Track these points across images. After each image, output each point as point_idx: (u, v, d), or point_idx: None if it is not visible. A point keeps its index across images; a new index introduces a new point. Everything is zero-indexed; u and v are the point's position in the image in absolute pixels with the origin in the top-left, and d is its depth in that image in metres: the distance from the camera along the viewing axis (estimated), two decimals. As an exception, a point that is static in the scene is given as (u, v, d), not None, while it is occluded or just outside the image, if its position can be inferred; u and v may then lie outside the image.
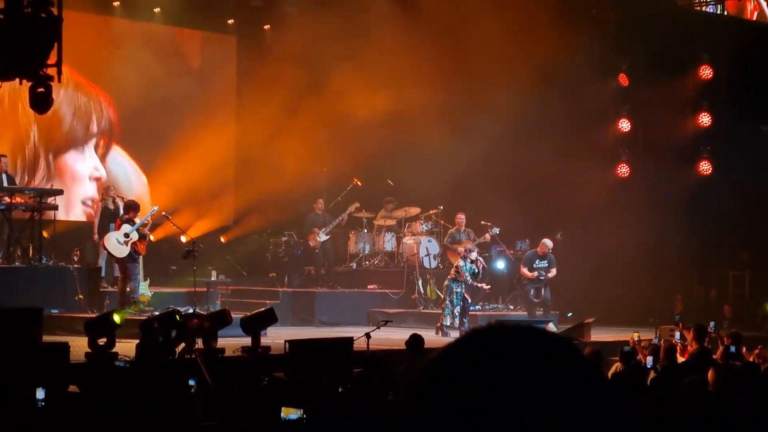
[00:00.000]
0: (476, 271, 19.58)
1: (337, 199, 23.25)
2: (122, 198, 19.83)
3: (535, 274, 20.87)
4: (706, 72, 24.21)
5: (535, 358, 1.54)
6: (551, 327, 19.44)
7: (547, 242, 21.08)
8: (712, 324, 15.13)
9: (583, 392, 1.55)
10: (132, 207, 18.85)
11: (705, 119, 24.23)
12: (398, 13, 22.96)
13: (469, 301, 19.63)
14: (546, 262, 20.98)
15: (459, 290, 19.33)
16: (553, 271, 20.96)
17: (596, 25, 22.77)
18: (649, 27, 23.06)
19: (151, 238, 18.51)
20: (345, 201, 23.09)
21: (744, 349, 14.46)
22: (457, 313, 19.23)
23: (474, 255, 19.72)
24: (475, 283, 19.87)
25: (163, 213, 19.30)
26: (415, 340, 12.58)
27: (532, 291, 20.97)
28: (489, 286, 20.75)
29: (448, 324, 19.18)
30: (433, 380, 1.57)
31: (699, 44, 23.85)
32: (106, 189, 20.33)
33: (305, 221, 22.82)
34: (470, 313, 20.23)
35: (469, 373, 1.53)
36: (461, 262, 19.61)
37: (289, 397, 9.51)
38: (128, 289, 18.28)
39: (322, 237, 22.28)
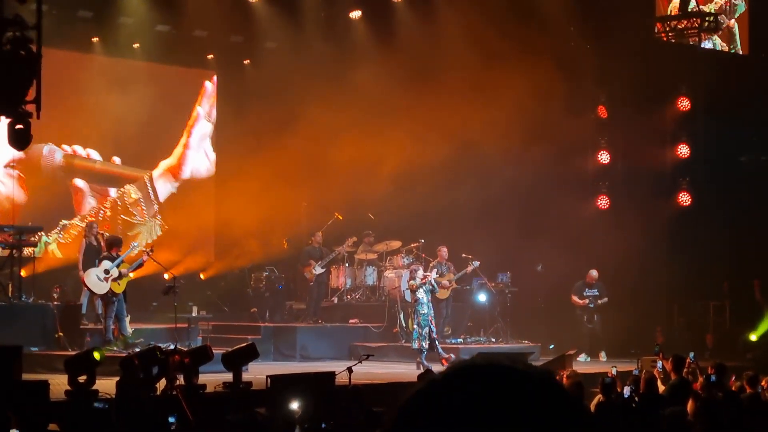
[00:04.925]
0: (431, 288, 19.81)
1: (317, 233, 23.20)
2: (103, 234, 19.71)
3: (586, 301, 22.19)
4: (684, 104, 24.34)
5: (515, 402, 1.53)
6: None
7: (593, 273, 22.28)
8: (691, 354, 15.16)
9: None
10: (114, 243, 18.70)
11: (684, 150, 24.34)
12: (378, 49, 23.06)
13: (434, 330, 19.61)
14: (596, 290, 22.30)
15: (425, 311, 19.47)
16: (605, 299, 22.20)
17: (575, 58, 22.91)
18: (627, 60, 23.21)
19: (131, 275, 18.35)
20: (327, 234, 23.04)
21: (733, 378, 14.52)
22: (425, 335, 19.29)
23: (420, 273, 19.92)
24: (436, 293, 20.11)
25: (143, 249, 19.18)
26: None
27: (585, 317, 22.26)
28: (450, 284, 20.86)
29: (416, 347, 19.27)
30: (412, 420, 1.56)
31: (676, 76, 24.01)
32: (89, 226, 20.09)
33: (301, 253, 22.75)
34: (452, 345, 20.21)
35: (446, 416, 1.53)
36: (412, 282, 19.91)
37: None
38: (110, 327, 18.16)
39: (318, 270, 22.24)
